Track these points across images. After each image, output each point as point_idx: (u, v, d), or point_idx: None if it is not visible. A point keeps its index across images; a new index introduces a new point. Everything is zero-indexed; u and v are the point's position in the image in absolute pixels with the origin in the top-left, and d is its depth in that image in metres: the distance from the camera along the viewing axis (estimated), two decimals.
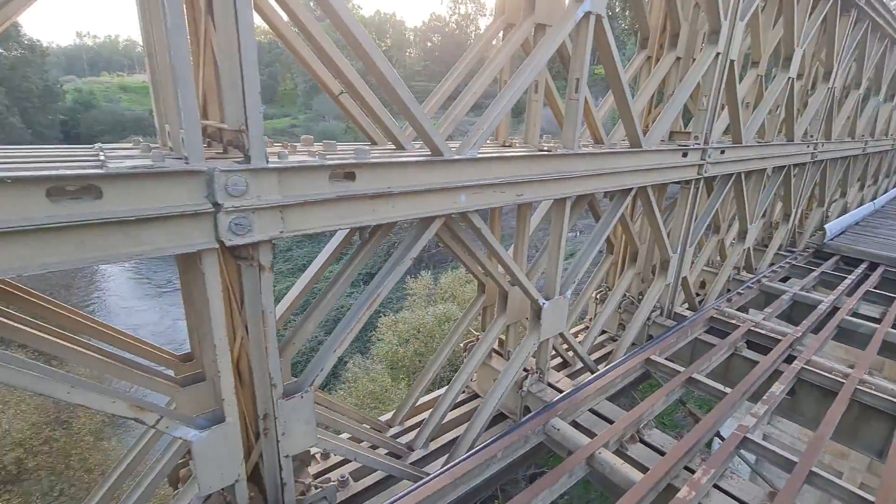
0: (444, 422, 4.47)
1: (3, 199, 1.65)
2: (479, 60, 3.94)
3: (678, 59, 5.42)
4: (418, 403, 4.71)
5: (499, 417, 4.78)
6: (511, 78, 3.39)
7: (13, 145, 2.43)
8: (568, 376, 5.09)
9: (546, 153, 3.59)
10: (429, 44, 61.82)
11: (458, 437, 4.48)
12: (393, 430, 4.48)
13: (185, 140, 2.01)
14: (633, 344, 5.99)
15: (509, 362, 4.36)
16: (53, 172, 1.74)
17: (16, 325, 2.37)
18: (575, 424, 4.09)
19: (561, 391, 4.46)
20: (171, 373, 2.97)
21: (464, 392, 5.06)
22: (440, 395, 4.77)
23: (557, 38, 3.42)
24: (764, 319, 6.14)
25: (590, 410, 4.29)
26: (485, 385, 5.13)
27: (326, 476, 3.31)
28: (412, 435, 4.42)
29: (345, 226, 2.59)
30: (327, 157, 2.45)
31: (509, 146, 4.07)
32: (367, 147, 2.66)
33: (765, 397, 4.38)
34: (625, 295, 6.45)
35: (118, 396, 2.12)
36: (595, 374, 4.82)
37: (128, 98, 74.48)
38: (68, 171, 1.76)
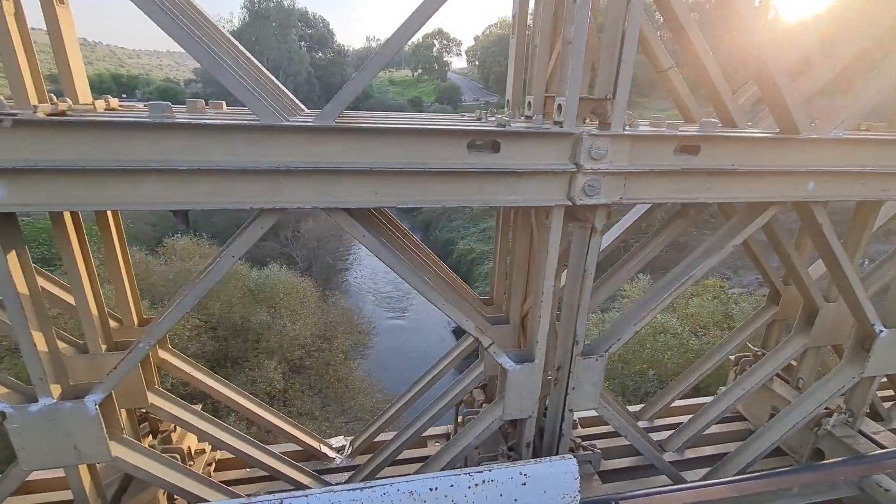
0: (703, 433, 4.08)
1: (439, 148, 2.16)
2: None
3: None
4: (672, 405, 4.40)
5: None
6: None
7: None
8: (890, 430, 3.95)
9: None
10: None
11: (720, 453, 4.07)
12: (642, 424, 4.32)
13: (563, 107, 2.25)
14: None
15: (805, 394, 3.65)
16: (474, 127, 2.19)
17: (399, 242, 3.12)
18: None
19: (882, 446, 3.51)
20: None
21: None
22: (703, 405, 4.35)
23: None
24: None
25: None
26: (755, 408, 4.45)
27: (591, 443, 3.43)
28: (663, 435, 4.18)
29: (678, 200, 2.54)
30: (679, 129, 2.42)
31: (867, 130, 3.29)
32: (714, 121, 2.52)
33: None
34: None
35: (472, 318, 2.60)
36: None
37: (394, 90, 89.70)
38: (483, 128, 2.20)
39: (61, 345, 2.66)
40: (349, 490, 2.15)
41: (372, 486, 2.16)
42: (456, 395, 3.33)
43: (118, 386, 2.33)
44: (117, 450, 2.42)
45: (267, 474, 3.44)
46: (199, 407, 3.34)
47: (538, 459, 2.40)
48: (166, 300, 16.16)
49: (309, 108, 2.67)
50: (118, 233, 2.81)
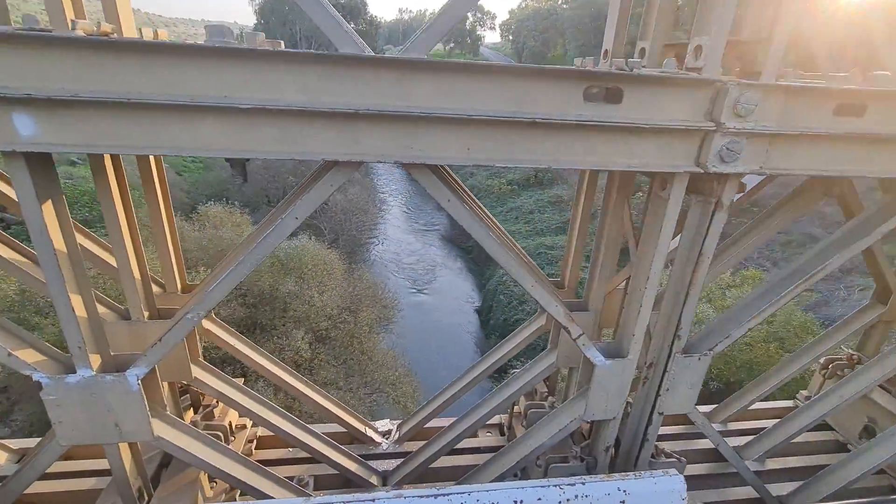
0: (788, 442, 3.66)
1: (551, 94, 1.75)
2: None
3: None
4: (751, 407, 3.97)
5: None
6: None
7: None
8: None
9: None
10: None
11: (805, 466, 3.66)
12: (716, 427, 3.92)
13: (705, 49, 1.80)
14: None
15: None
16: (594, 70, 1.76)
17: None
18: None
19: None
20: None
21: None
22: (782, 409, 3.95)
23: None
24: None
25: None
26: (844, 418, 3.98)
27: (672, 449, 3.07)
28: (739, 441, 3.77)
29: (830, 173, 2.06)
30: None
31: None
32: (885, 73, 2.02)
33: None
34: None
35: (560, 303, 2.23)
36: None
37: None
38: (606, 71, 1.77)
39: (101, 309, 2.42)
40: (421, 497, 1.85)
41: (448, 494, 1.86)
42: (524, 386, 3.00)
43: (163, 359, 2.07)
44: (160, 429, 2.18)
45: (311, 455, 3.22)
46: (241, 381, 3.12)
47: (638, 473, 2.05)
48: (201, 266, 16.27)
49: None
50: (162, 187, 2.52)
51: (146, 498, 2.47)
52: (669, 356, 2.42)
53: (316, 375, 17.51)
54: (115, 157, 2.15)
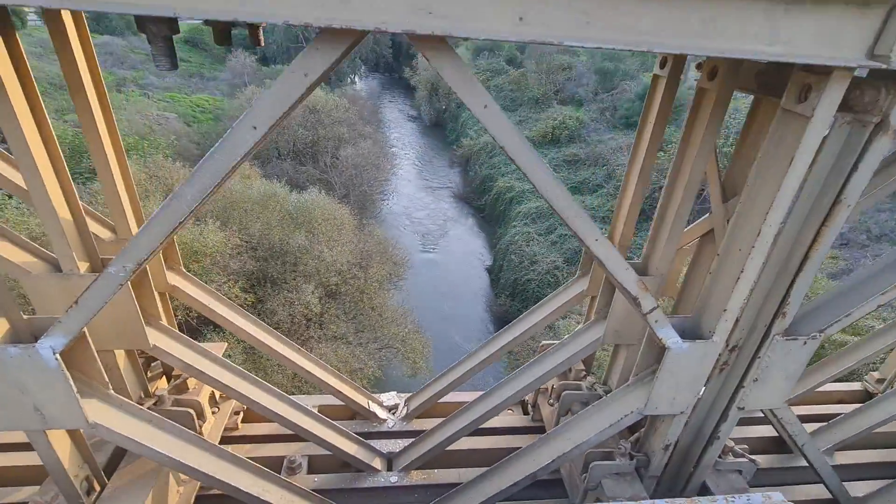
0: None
1: None
2: None
3: None
4: (818, 389, 3.41)
5: None
6: None
7: None
8: None
9: None
10: None
11: (877, 462, 3.14)
12: None
13: None
14: None
15: None
16: None
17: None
18: None
19: None
20: None
21: None
22: (851, 395, 3.40)
23: None
24: None
25: None
26: None
27: (743, 447, 2.55)
28: (807, 427, 3.24)
29: None
30: None
31: None
32: None
33: None
34: None
35: (633, 267, 1.62)
36: None
37: None
38: None
39: (23, 258, 1.88)
40: None
41: None
42: (561, 364, 2.45)
43: (88, 324, 1.53)
44: (97, 413, 1.68)
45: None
46: (223, 347, 2.62)
47: (728, 498, 1.51)
48: (209, 219, 15.66)
49: None
50: (97, 85, 1.86)
51: (97, 489, 2.03)
52: (765, 338, 1.83)
53: (326, 330, 17.46)
54: (2, 21, 1.46)
